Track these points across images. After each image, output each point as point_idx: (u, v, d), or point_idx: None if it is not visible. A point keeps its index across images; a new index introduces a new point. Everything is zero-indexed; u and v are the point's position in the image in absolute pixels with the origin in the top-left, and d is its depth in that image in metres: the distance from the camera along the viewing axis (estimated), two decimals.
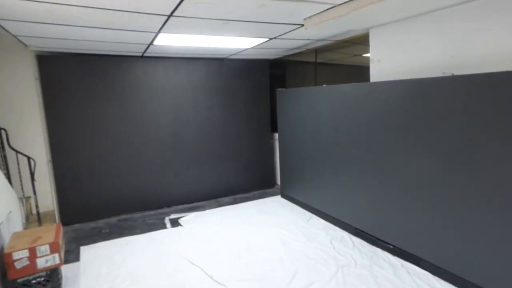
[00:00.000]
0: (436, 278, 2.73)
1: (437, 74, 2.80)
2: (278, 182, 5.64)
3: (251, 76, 5.43)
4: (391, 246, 3.17)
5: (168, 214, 4.66)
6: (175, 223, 4.31)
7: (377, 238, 3.33)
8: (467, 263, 2.51)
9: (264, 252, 3.35)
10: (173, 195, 5.01)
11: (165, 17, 2.72)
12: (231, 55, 4.94)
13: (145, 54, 4.50)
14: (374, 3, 2.32)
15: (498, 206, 2.25)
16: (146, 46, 3.89)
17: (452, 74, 2.61)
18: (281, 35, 3.63)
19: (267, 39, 3.80)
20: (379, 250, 3.26)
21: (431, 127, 2.65)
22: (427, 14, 2.89)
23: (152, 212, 4.77)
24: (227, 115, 5.30)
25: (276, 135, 5.33)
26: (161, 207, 4.92)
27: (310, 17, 2.94)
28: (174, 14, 2.63)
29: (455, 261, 2.59)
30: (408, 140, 2.86)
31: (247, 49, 4.42)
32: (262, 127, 5.64)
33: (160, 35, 3.35)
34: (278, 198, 5.19)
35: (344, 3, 2.57)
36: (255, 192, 5.60)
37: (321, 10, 2.76)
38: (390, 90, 3.00)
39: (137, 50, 4.19)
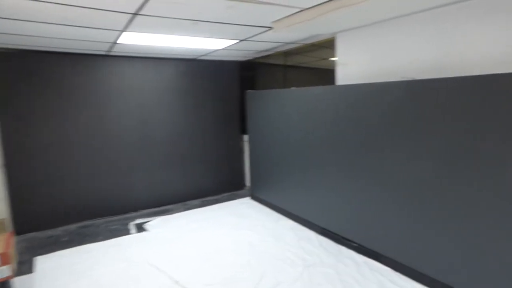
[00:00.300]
0: (397, 273, 2.85)
1: (399, 78, 2.93)
2: (248, 184, 5.64)
3: (221, 78, 5.40)
4: (355, 244, 3.27)
5: (133, 219, 4.50)
6: (140, 228, 4.16)
7: (342, 237, 3.43)
8: (426, 258, 2.64)
9: (232, 255, 3.33)
10: (139, 199, 4.85)
11: (130, 15, 2.63)
12: (201, 56, 4.88)
13: (111, 53, 4.33)
14: (340, 8, 2.40)
15: (458, 204, 2.40)
16: (110, 44, 3.74)
17: (412, 78, 2.76)
18: (250, 37, 3.64)
19: (237, 40, 3.80)
20: (343, 249, 3.36)
21: (395, 128, 2.77)
22: (390, 20, 3.02)
23: (116, 218, 4.58)
24: (196, 116, 5.23)
25: (246, 137, 5.34)
26: (126, 212, 4.74)
27: (278, 20, 2.97)
28: (140, 12, 2.55)
29: (415, 257, 2.73)
30: (373, 141, 2.97)
31: (217, 50, 4.39)
32: (232, 128, 5.62)
33: (126, 34, 3.24)
34: (248, 200, 5.19)
35: (312, 7, 2.63)
36: (225, 194, 5.56)
37: (289, 14, 2.80)
38: (356, 93, 3.10)
39: (100, 49, 4.02)
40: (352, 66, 3.51)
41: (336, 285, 2.74)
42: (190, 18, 2.79)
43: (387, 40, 3.09)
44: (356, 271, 2.94)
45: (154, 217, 4.49)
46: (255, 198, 5.08)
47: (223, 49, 4.31)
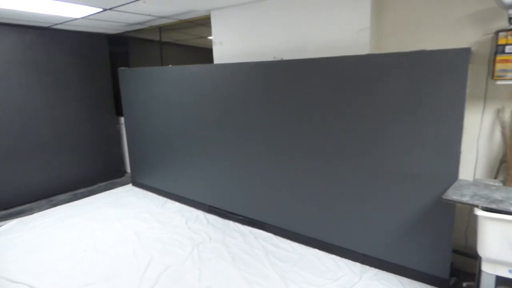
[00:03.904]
0: (278, 237, 3.16)
1: (271, 57, 3.13)
2: (128, 170, 5.23)
3: (85, 52, 4.69)
4: (241, 217, 3.47)
5: None
6: None
7: (229, 212, 3.57)
8: (298, 221, 3.01)
9: (114, 248, 3.06)
10: None
11: None
12: (55, 24, 4.10)
13: None
14: None
15: (320, 181, 2.78)
16: None
17: (281, 58, 2.99)
18: (117, 6, 3.24)
19: (101, 9, 3.33)
20: (230, 223, 3.51)
21: (268, 105, 2.97)
22: (263, 1, 3.14)
23: None
24: (55, 97, 4.43)
25: (123, 119, 4.87)
26: None
27: None
28: None
29: (290, 221, 3.07)
30: (250, 118, 3.13)
31: (76, 19, 3.76)
32: (104, 110, 5.02)
33: None
34: (129, 187, 4.82)
35: None
36: (101, 184, 5.01)
37: None
38: (231, 72, 3.18)
39: None
40: (227, 45, 3.56)
41: (224, 257, 2.85)
42: None
43: (258, 22, 3.24)
44: (243, 241, 3.13)
45: (6, 221, 3.70)
46: (138, 184, 4.76)
47: (84, 18, 3.72)
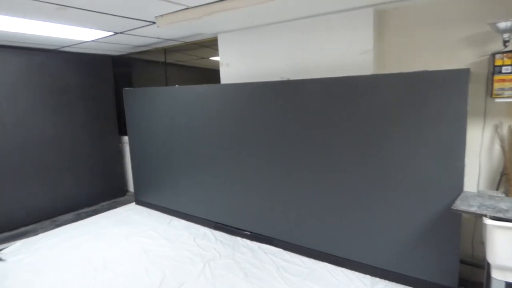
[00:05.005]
0: (287, 252, 3.21)
1: (277, 78, 3.27)
2: (131, 189, 5.23)
3: (90, 73, 4.78)
4: (248, 233, 3.51)
5: None
6: None
7: (236, 228, 3.61)
8: (308, 235, 3.07)
9: (124, 266, 3.06)
10: None
11: None
12: (63, 47, 4.21)
13: None
14: (227, 10, 2.51)
15: (326, 190, 2.88)
16: None
17: (288, 78, 3.14)
18: (128, 30, 3.38)
19: (112, 33, 3.46)
20: (238, 239, 3.54)
21: (274, 122, 3.09)
22: (269, 25, 3.31)
23: None
24: (60, 116, 4.48)
25: (126, 138, 4.92)
26: None
27: (162, 15, 2.87)
28: None
29: (299, 236, 3.13)
30: (256, 135, 3.23)
31: (85, 42, 3.88)
32: (108, 130, 5.07)
33: None
34: (133, 205, 4.81)
35: (197, 6, 2.65)
36: (104, 204, 5.00)
37: (174, 10, 2.74)
38: (239, 92, 3.30)
39: None
40: (234, 66, 3.70)
41: (236, 273, 2.88)
42: (56, 2, 2.40)
43: (264, 44, 3.40)
44: (252, 256, 3.16)
45: (11, 242, 3.66)
46: (141, 203, 4.76)
47: (93, 41, 3.84)
